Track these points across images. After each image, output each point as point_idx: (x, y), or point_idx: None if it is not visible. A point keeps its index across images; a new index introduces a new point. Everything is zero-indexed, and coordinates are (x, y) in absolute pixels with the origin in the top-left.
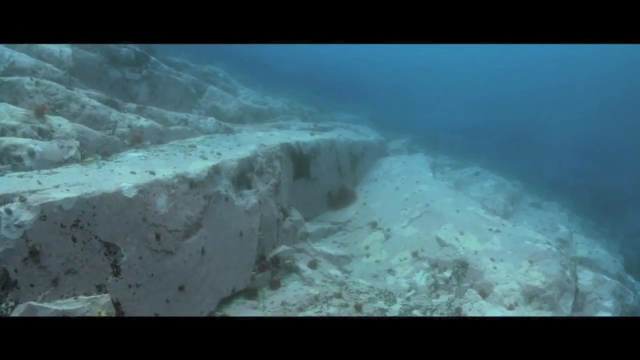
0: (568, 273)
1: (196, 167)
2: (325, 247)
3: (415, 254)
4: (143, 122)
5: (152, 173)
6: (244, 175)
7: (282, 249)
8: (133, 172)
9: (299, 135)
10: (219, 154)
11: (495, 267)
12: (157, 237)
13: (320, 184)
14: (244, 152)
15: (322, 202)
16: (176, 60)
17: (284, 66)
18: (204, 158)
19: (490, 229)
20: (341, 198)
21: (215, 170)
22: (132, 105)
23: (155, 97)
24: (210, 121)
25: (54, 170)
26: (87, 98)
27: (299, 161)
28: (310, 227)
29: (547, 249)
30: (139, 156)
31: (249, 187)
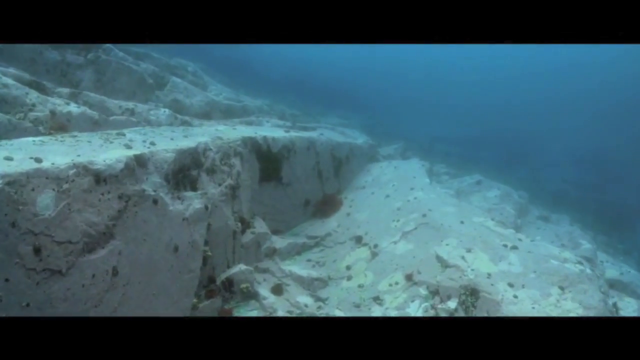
0: (610, 302)
1: (110, 156)
2: (297, 266)
3: (409, 277)
4: (73, 108)
5: (38, 160)
6: (185, 173)
7: (238, 269)
8: (9, 158)
9: (271, 131)
10: (152, 143)
11: (515, 296)
12: (37, 250)
13: (295, 189)
14: (189, 143)
15: (297, 211)
16: (137, 50)
17: (271, 71)
18: (128, 147)
19: (505, 245)
20: (325, 204)
21: (139, 162)
22: (65, 90)
23: (103, 85)
24: (164, 112)
25: None
26: None
27: (268, 161)
28: (280, 242)
29: (579, 270)
30: (34, 140)
31: (194, 188)
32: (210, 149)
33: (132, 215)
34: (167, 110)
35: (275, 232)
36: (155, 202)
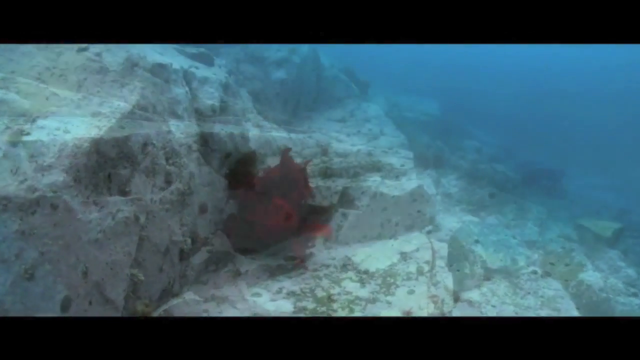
0: None
1: None
2: (265, 295)
3: (408, 315)
4: None
5: None
6: (111, 171)
7: (182, 299)
8: None
9: (242, 129)
10: (66, 131)
11: None
12: None
13: (271, 200)
14: (119, 133)
15: (276, 227)
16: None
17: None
18: (25, 134)
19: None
20: (312, 218)
21: (31, 152)
22: None
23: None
24: (117, 106)
25: None
26: None
27: (237, 162)
28: (247, 264)
29: None
30: None
31: (123, 191)
32: (152, 144)
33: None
34: (121, 103)
35: (245, 251)
36: (54, 207)
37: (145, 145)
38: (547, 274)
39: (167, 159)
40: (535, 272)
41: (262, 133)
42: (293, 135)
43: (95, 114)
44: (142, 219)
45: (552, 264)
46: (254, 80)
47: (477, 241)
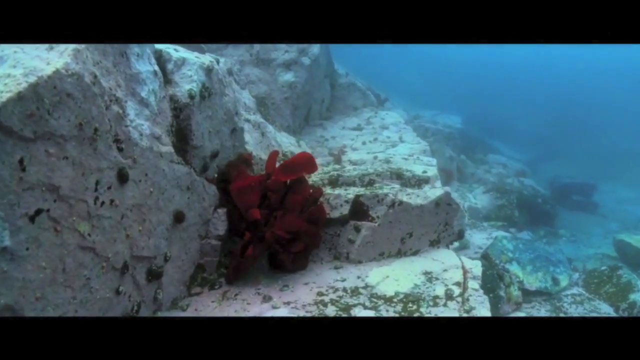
0: None
1: None
2: None
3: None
4: None
5: None
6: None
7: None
8: None
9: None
10: None
11: None
12: None
13: None
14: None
15: None
16: None
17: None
18: None
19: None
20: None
21: None
22: None
23: None
24: None
25: None
26: None
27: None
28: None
29: None
30: None
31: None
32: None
33: None
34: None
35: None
36: None
37: (81, 125)
38: (594, 296)
39: (119, 149)
40: (580, 294)
41: (264, 137)
42: (302, 143)
43: (1, 77)
44: (84, 225)
45: (596, 283)
46: (259, 83)
47: (511, 259)
